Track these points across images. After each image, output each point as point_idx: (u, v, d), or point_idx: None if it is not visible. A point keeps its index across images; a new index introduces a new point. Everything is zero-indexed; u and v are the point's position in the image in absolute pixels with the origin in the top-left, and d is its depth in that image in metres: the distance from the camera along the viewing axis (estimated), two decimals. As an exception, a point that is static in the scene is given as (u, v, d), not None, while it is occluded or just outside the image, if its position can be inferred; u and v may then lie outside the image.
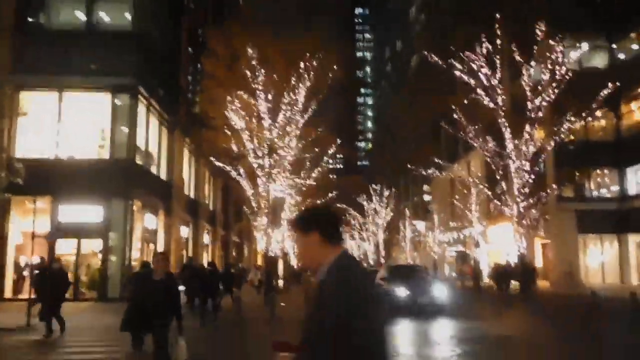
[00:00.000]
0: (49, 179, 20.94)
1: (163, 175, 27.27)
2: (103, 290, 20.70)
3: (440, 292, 16.89)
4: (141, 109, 23.46)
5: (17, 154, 21.42)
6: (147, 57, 23.78)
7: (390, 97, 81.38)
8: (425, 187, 52.67)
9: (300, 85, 20.20)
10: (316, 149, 22.57)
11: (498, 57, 18.77)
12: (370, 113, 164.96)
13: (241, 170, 21.32)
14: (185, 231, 32.48)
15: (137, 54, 22.34)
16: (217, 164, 22.12)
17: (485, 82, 19.32)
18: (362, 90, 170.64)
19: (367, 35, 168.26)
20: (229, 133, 21.02)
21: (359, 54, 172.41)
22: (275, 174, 20.20)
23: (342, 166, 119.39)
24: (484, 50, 18.85)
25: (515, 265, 20.77)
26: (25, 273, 21.11)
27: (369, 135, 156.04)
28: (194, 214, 33.78)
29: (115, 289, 20.91)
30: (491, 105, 19.43)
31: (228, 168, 21.46)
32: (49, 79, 21.93)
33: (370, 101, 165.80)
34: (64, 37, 22.19)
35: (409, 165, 22.41)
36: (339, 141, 23.02)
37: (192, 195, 33.82)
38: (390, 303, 15.97)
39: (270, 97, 20.46)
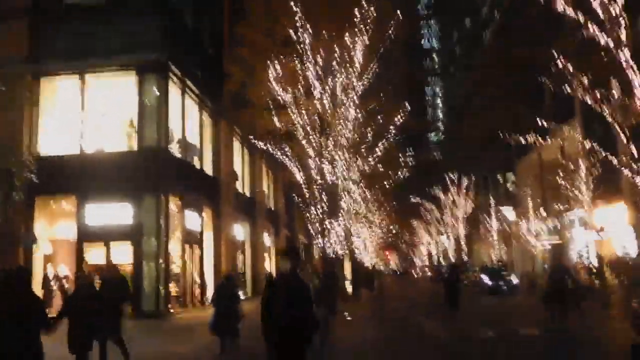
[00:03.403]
0: (74, 176, 18.29)
1: (209, 169, 24.04)
2: (137, 303, 17.25)
3: None
4: (175, 90, 20.24)
5: (40, 148, 19.01)
6: (178, 29, 20.55)
7: (461, 80, 75.56)
8: (509, 175, 46.93)
9: (356, 39, 15.99)
10: (379, 117, 17.92)
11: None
12: (439, 102, 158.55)
13: (289, 152, 17.33)
14: (240, 232, 29.21)
15: (164, 25, 19.10)
16: (258, 143, 18.33)
17: (600, 14, 14.36)
18: (430, 80, 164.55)
19: (433, 27, 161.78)
20: (272, 109, 17.21)
21: (425, 43, 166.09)
22: (331, 152, 16.08)
23: (411, 160, 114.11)
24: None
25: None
26: (54, 286, 18.46)
27: (439, 126, 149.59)
28: (251, 213, 30.45)
29: (150, 301, 17.77)
30: (610, 44, 14.40)
31: (271, 149, 17.56)
32: (70, 62, 19.23)
33: (438, 91, 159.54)
34: (84, 14, 19.36)
35: (499, 134, 17.23)
36: (408, 107, 18.04)
37: (247, 192, 30.54)
38: None
39: (319, 59, 16.41)
